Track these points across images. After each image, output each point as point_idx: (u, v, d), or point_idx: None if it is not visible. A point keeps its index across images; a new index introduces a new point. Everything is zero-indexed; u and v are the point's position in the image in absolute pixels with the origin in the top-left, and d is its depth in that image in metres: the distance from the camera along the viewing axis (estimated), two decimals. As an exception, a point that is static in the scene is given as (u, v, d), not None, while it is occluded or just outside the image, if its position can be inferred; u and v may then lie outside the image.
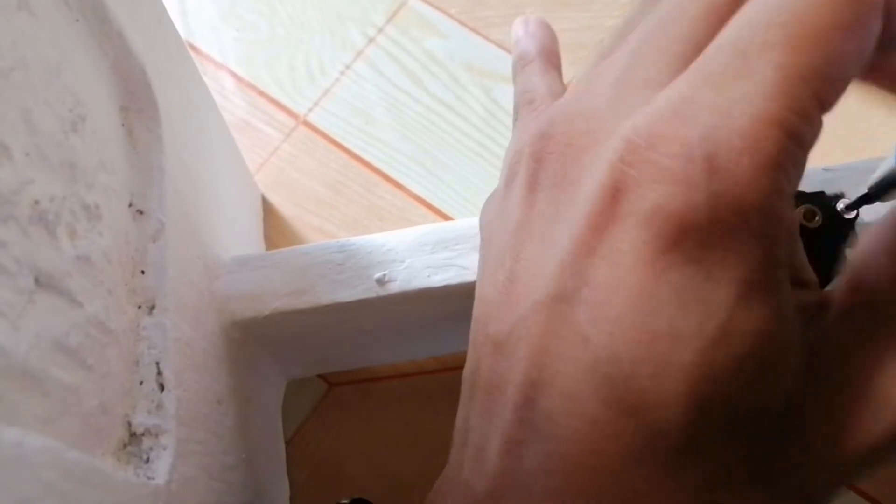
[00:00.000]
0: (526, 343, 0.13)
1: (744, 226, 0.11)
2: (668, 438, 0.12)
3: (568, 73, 0.40)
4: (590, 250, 0.13)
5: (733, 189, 0.11)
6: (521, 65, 0.21)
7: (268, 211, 0.37)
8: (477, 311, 0.16)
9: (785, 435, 0.13)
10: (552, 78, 0.20)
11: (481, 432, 0.14)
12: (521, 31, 0.21)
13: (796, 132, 0.11)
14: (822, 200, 0.18)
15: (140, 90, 0.21)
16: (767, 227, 0.12)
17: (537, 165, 0.15)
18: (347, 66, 0.40)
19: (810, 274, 0.14)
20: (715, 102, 0.12)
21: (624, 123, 0.13)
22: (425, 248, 0.25)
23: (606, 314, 0.12)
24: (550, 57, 0.21)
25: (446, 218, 0.37)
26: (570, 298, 0.13)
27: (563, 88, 0.20)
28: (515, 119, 0.20)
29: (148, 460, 0.17)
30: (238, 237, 0.30)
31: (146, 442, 0.18)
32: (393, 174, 0.37)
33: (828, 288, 0.17)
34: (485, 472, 0.14)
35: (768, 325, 0.12)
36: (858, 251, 0.14)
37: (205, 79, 0.29)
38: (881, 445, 0.12)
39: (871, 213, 0.18)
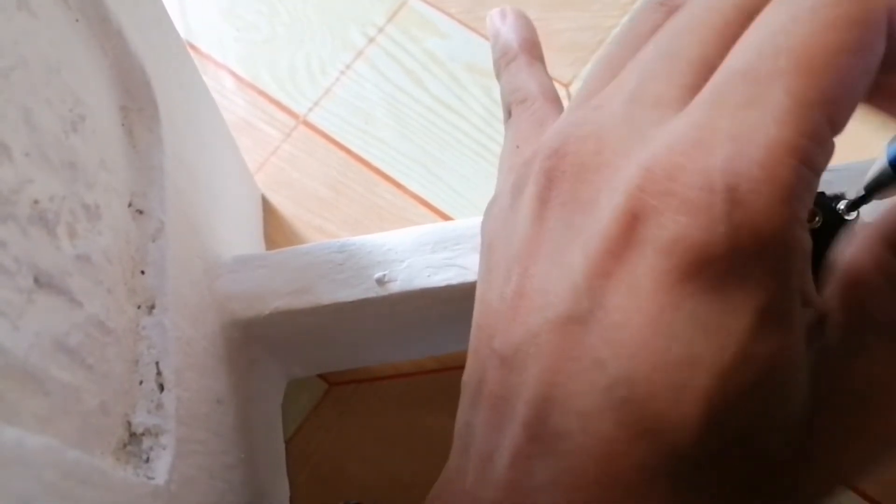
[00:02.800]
0: (536, 361, 0.13)
1: (763, 256, 0.11)
2: (681, 459, 0.12)
3: (567, 72, 0.40)
4: (605, 273, 0.13)
5: (754, 220, 0.11)
6: (504, 61, 0.21)
7: (268, 211, 0.37)
8: (479, 318, 0.16)
9: (793, 455, 0.13)
10: (539, 72, 0.20)
11: (487, 442, 0.14)
12: (499, 23, 0.21)
13: (811, 158, 0.11)
14: (823, 201, 0.18)
15: (140, 90, 0.21)
16: (785, 256, 0.12)
17: (548, 183, 0.15)
18: (348, 66, 0.40)
19: (813, 291, 0.14)
20: (731, 131, 0.12)
21: (640, 150, 0.13)
22: (425, 248, 0.25)
23: (622, 338, 0.12)
24: (533, 50, 0.21)
25: (446, 218, 0.37)
26: (584, 320, 0.13)
27: (551, 82, 0.20)
28: (507, 118, 0.20)
29: (148, 460, 0.17)
30: (238, 237, 0.30)
31: (146, 441, 0.18)
32: (393, 174, 0.37)
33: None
34: (491, 482, 0.14)
35: (782, 351, 0.12)
36: (848, 260, 0.14)
37: (205, 79, 0.29)
38: (878, 457, 0.13)
39: (871, 214, 0.18)
